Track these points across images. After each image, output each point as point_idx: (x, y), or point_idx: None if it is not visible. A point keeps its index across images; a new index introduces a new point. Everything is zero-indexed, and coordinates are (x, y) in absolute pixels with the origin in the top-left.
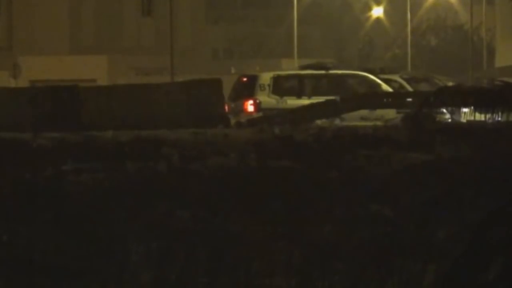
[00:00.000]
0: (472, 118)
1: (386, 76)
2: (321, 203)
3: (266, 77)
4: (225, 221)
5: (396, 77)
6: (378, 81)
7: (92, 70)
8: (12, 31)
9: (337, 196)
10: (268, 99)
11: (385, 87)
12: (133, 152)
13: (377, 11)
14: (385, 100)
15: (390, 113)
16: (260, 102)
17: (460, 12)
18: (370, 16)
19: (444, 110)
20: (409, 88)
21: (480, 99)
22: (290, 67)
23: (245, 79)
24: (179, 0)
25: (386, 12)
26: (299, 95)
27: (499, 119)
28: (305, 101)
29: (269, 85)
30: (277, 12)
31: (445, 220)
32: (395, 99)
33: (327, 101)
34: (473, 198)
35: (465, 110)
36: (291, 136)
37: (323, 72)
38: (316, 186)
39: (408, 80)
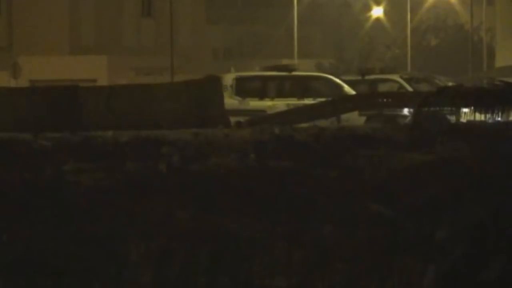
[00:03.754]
0: (472, 118)
1: (386, 76)
2: (321, 203)
3: (228, 78)
4: (225, 221)
5: (396, 77)
6: (341, 83)
7: (92, 70)
8: (12, 31)
9: (337, 196)
10: (230, 100)
11: (348, 89)
12: (133, 152)
13: (377, 11)
14: (385, 100)
15: (352, 117)
16: None
17: (460, 12)
18: (370, 16)
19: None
20: (409, 88)
21: (480, 99)
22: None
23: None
24: (179, 0)
25: (386, 12)
26: (261, 97)
27: (499, 119)
28: (267, 103)
29: (231, 86)
30: (277, 12)
31: (445, 220)
32: (395, 99)
33: (326, 102)
34: (473, 198)
35: (465, 110)
36: (291, 136)
37: (285, 73)
38: (316, 186)
39: (408, 80)
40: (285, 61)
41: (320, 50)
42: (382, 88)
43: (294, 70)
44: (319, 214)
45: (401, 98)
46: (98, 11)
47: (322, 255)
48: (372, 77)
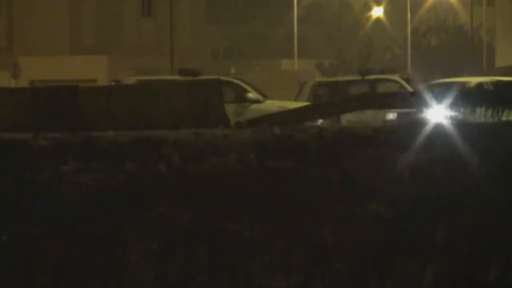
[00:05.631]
0: (472, 118)
1: (386, 76)
2: (321, 203)
3: (129, 82)
4: (225, 221)
5: (396, 77)
6: (246, 86)
7: (92, 70)
8: (12, 31)
9: (337, 196)
10: None
11: (254, 94)
12: (133, 152)
13: (377, 11)
14: (385, 100)
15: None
16: None
17: (460, 12)
18: (370, 16)
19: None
20: (409, 88)
21: (480, 99)
22: (290, 67)
23: (113, 83)
24: (179, 0)
25: (386, 12)
26: None
27: (499, 119)
28: None
29: None
30: (277, 12)
31: (445, 220)
32: (395, 99)
33: (327, 101)
34: (473, 198)
35: (466, 110)
36: (291, 136)
37: (189, 78)
38: (316, 186)
39: (408, 80)
40: (285, 62)
41: (320, 50)
42: (382, 88)
43: (199, 74)
44: (319, 214)
45: (401, 98)
46: (98, 11)
47: (322, 255)
48: (372, 77)
